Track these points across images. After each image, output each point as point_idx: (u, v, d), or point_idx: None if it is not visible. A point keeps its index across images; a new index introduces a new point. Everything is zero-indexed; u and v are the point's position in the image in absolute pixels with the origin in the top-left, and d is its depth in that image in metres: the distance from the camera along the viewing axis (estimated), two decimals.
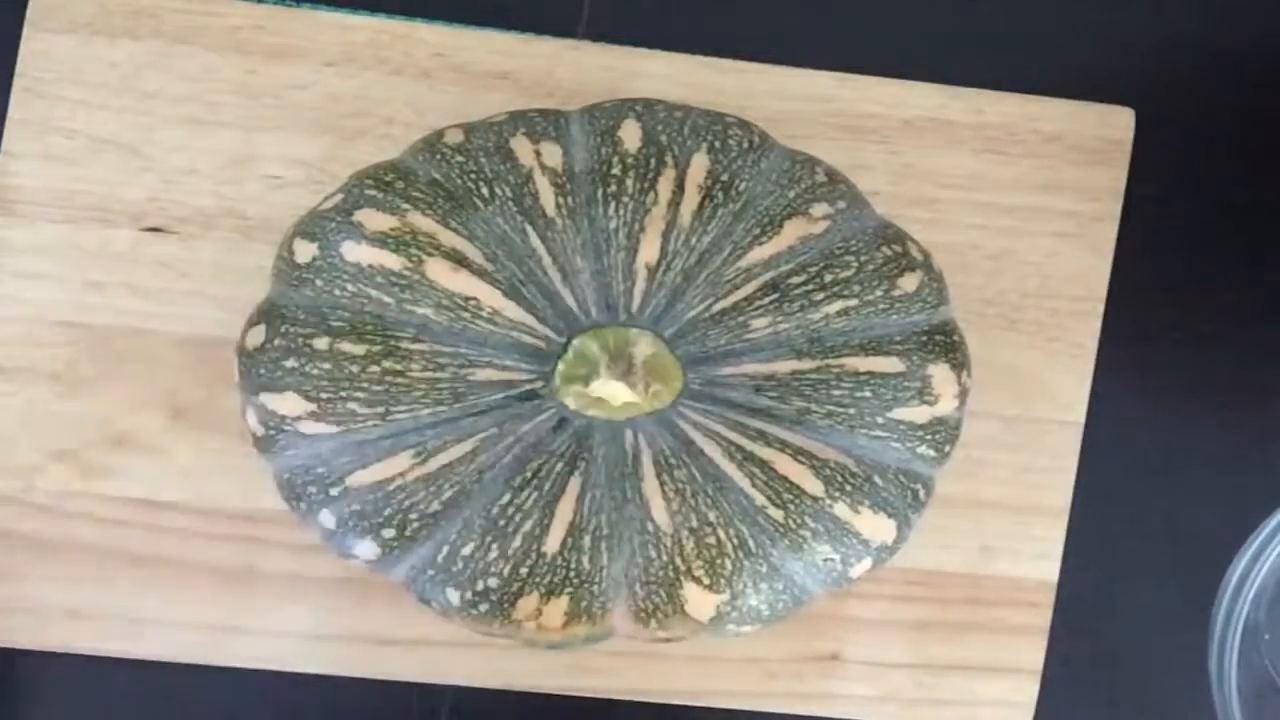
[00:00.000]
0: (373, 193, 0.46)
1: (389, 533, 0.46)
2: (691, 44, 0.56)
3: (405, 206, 0.45)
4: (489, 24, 0.56)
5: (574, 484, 0.45)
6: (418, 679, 0.54)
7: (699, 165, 0.46)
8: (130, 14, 0.54)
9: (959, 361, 0.48)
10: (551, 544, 0.45)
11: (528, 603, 0.46)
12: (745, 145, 0.47)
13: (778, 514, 0.45)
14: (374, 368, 0.44)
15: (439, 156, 0.47)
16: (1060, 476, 0.56)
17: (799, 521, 0.45)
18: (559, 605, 0.46)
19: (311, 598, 0.54)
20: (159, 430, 0.54)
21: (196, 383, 0.54)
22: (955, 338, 0.48)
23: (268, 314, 0.46)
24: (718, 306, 0.45)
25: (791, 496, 0.45)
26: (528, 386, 0.45)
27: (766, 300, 0.45)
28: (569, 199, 0.46)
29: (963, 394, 0.48)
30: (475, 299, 0.45)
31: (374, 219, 0.45)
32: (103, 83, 0.54)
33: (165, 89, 0.54)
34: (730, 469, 0.45)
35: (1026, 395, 0.56)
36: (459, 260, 0.45)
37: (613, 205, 0.45)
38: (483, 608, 0.46)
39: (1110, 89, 0.57)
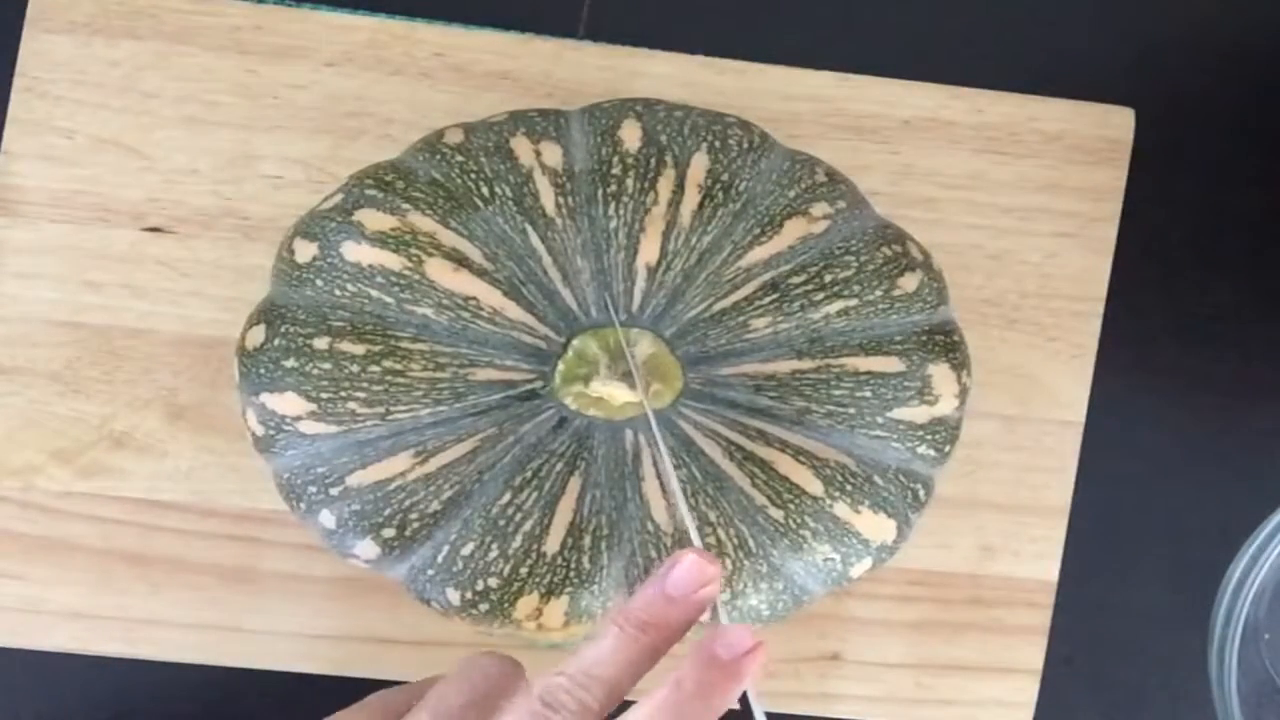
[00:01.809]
0: (373, 192, 0.46)
1: (389, 533, 0.46)
2: (691, 44, 0.56)
3: (405, 206, 0.45)
4: (489, 24, 0.56)
5: (574, 484, 0.45)
6: (417, 679, 0.54)
7: (699, 165, 0.46)
8: (130, 14, 0.54)
9: (959, 361, 0.48)
10: (552, 544, 0.45)
11: (528, 603, 0.46)
12: (745, 145, 0.47)
13: (778, 514, 0.45)
14: (374, 367, 0.44)
15: (439, 156, 0.47)
16: (1060, 476, 0.56)
17: (799, 521, 0.45)
18: (559, 605, 0.46)
19: (311, 598, 0.54)
20: (159, 430, 0.54)
21: (196, 383, 0.54)
22: (955, 338, 0.48)
23: (268, 314, 0.46)
24: (718, 306, 0.45)
25: (791, 496, 0.45)
26: (528, 386, 0.45)
27: (766, 300, 0.45)
28: (569, 199, 0.46)
29: (963, 394, 0.48)
30: (475, 299, 0.45)
31: (374, 219, 0.45)
32: (103, 83, 0.54)
33: (165, 89, 0.54)
34: (730, 469, 0.45)
35: (1026, 395, 0.56)
36: (459, 260, 0.45)
37: (613, 205, 0.45)
38: (483, 607, 0.46)
39: (1110, 89, 0.57)
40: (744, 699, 0.40)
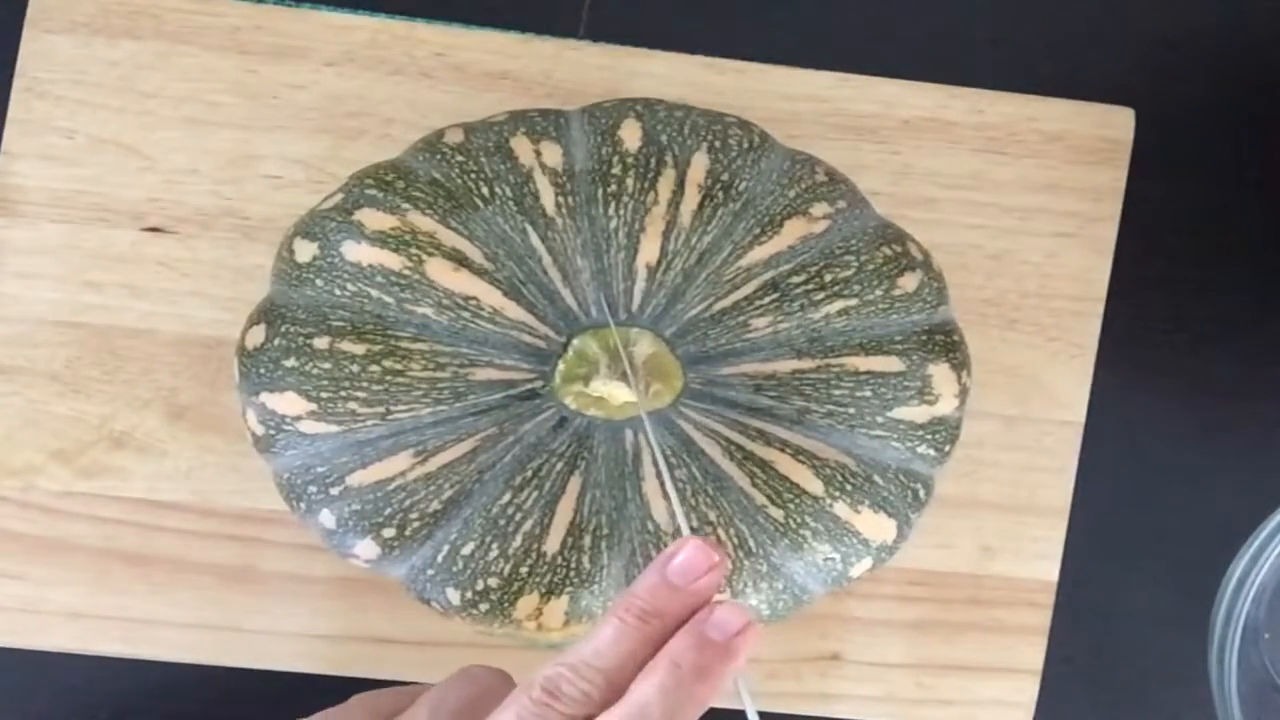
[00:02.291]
0: (373, 192, 0.46)
1: (389, 532, 0.46)
2: (691, 44, 0.56)
3: (405, 206, 0.45)
4: (489, 24, 0.56)
5: (574, 484, 0.45)
6: (417, 679, 0.54)
7: (699, 165, 0.46)
8: (130, 14, 0.54)
9: (959, 361, 0.48)
10: (552, 544, 0.45)
11: (528, 602, 0.46)
12: (745, 145, 0.47)
13: (778, 513, 0.45)
14: (374, 367, 0.44)
15: (439, 156, 0.47)
16: (1060, 476, 0.56)
17: (799, 521, 0.45)
18: (559, 605, 0.46)
19: (311, 598, 0.54)
20: (159, 430, 0.54)
21: (196, 383, 0.54)
22: (955, 337, 0.48)
23: (268, 314, 0.46)
24: (718, 306, 0.45)
25: (792, 496, 0.45)
26: (528, 386, 0.45)
27: (767, 300, 0.45)
28: (569, 199, 0.46)
29: (963, 394, 0.48)
30: (475, 298, 0.45)
31: (374, 218, 0.45)
32: (103, 83, 0.54)
33: (165, 89, 0.54)
34: (730, 468, 0.45)
35: (1026, 395, 0.56)
36: (459, 260, 0.45)
37: (613, 205, 0.45)
38: (483, 607, 0.46)
39: (1110, 89, 0.57)
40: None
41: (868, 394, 0.46)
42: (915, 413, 0.46)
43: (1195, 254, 0.58)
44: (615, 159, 0.46)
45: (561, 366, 0.45)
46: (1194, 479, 0.57)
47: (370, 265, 0.45)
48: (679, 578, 0.38)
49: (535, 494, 0.45)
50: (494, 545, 0.45)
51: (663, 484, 0.45)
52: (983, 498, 0.55)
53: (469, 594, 0.46)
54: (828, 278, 0.46)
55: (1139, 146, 0.56)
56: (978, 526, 0.55)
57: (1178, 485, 0.57)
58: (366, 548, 0.46)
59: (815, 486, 0.45)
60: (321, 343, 0.45)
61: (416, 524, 0.46)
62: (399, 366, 0.44)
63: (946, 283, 0.49)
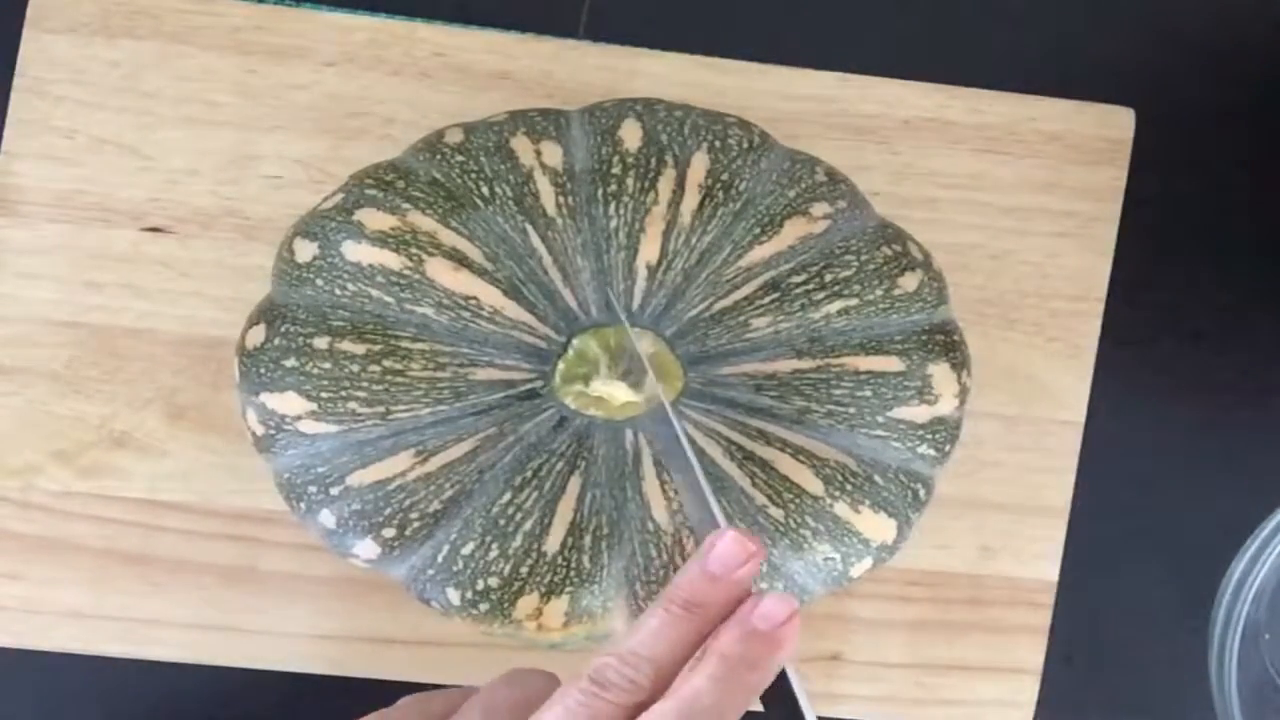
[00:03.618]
0: (373, 192, 0.46)
1: (389, 532, 0.46)
2: (691, 44, 0.56)
3: (405, 206, 0.45)
4: (489, 24, 0.56)
5: (574, 483, 0.45)
6: (418, 679, 0.54)
7: (699, 165, 0.46)
8: (130, 14, 0.54)
9: (959, 361, 0.48)
10: (552, 543, 0.45)
11: (528, 602, 0.46)
12: (745, 145, 0.47)
13: (778, 513, 0.45)
14: (374, 367, 0.44)
15: (439, 156, 0.47)
16: (1060, 476, 0.56)
17: (799, 521, 0.45)
18: (559, 605, 0.46)
19: (311, 598, 0.54)
20: (159, 430, 0.54)
21: (196, 383, 0.54)
22: (955, 337, 0.48)
23: (268, 314, 0.46)
24: (718, 306, 0.45)
25: (792, 496, 0.45)
26: (528, 386, 0.45)
27: (767, 300, 0.45)
28: (569, 198, 0.46)
29: (963, 393, 0.48)
30: (476, 298, 0.45)
31: (374, 218, 0.45)
32: (103, 83, 0.54)
33: (165, 89, 0.54)
34: (730, 468, 0.45)
35: (1026, 395, 0.56)
36: (459, 260, 0.45)
37: (613, 205, 0.45)
38: (483, 607, 0.46)
39: (1110, 89, 0.57)
40: (791, 696, 0.39)
41: (868, 394, 0.46)
42: (915, 413, 0.46)
43: (1195, 254, 0.58)
44: (615, 159, 0.46)
45: (561, 366, 0.45)
46: (1194, 479, 0.57)
47: (370, 265, 0.45)
48: (718, 568, 0.39)
49: (535, 494, 0.45)
50: (494, 545, 0.45)
51: (668, 481, 0.45)
52: (983, 498, 0.55)
53: (469, 594, 0.46)
54: (828, 277, 0.46)
55: (1139, 146, 0.56)
56: (978, 526, 0.55)
57: (1178, 485, 0.57)
58: (366, 548, 0.46)
59: (815, 486, 0.45)
60: (321, 343, 0.45)
61: (416, 524, 0.46)
62: (399, 366, 0.44)
63: (946, 283, 0.49)
